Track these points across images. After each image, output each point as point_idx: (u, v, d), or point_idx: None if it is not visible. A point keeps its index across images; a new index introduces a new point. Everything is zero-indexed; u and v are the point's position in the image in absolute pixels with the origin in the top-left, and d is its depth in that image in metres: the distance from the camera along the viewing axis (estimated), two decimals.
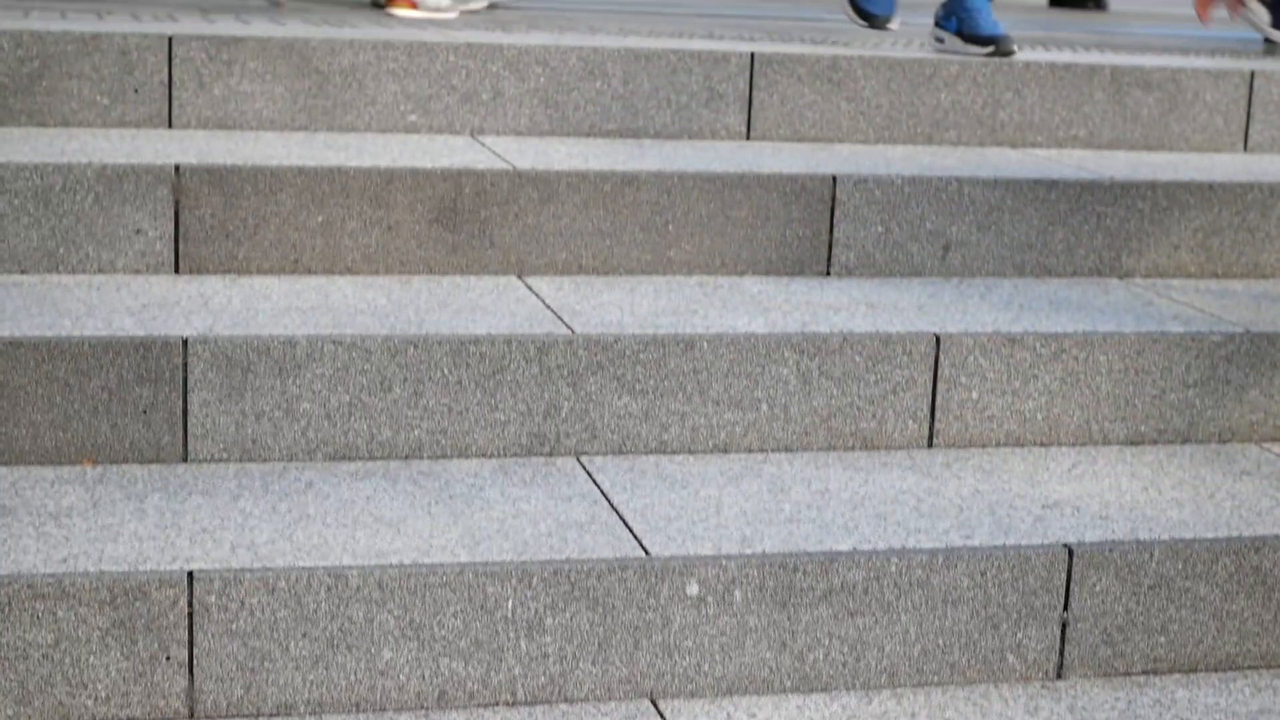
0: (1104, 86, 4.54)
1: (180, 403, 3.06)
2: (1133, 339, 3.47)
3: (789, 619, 2.76)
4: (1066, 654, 2.89)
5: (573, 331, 3.22)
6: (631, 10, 5.49)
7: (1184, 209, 4.03)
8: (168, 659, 2.56)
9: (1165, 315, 3.65)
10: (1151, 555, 2.91)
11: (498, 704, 2.68)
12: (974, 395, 3.39)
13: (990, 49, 4.55)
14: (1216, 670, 2.97)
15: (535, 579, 2.66)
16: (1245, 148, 4.71)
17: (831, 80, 4.34)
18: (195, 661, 2.57)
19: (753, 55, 4.29)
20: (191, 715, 2.58)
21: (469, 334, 3.16)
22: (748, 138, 4.32)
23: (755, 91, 4.31)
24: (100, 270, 3.52)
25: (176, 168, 3.52)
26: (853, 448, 3.35)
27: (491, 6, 5.83)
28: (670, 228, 3.75)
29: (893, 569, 2.80)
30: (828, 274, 3.85)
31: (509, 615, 2.66)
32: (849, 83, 4.36)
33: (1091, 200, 3.96)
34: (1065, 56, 4.84)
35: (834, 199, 3.83)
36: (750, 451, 3.30)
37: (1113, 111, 4.56)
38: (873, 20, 5.33)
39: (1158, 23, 7.51)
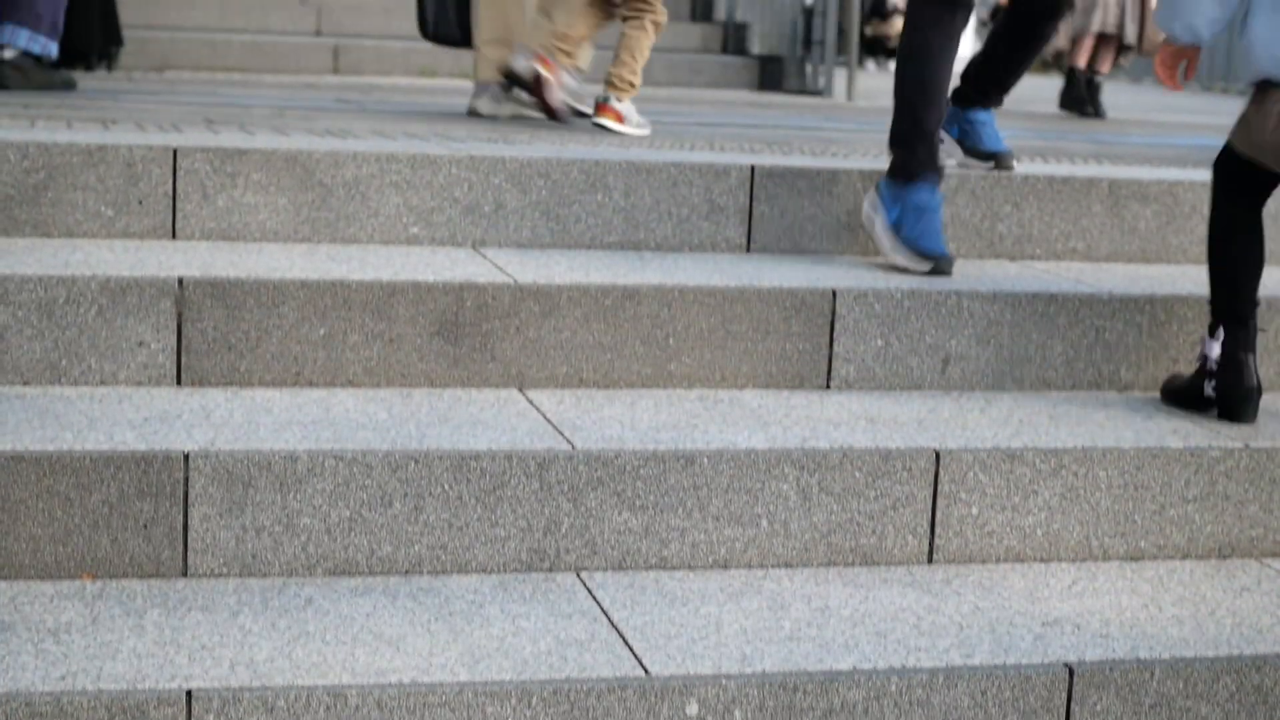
0: (1102, 199, 4.57)
1: (181, 517, 3.06)
2: (1132, 454, 3.48)
3: None
4: None
5: (573, 446, 3.23)
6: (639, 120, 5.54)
7: (1182, 322, 4.04)
8: None
9: (1164, 429, 3.66)
10: (1152, 674, 2.90)
11: None
12: (974, 511, 3.39)
13: (991, 164, 4.58)
14: None
15: (535, 698, 2.66)
16: None
17: (831, 193, 4.37)
18: None
19: (753, 168, 4.32)
20: None
21: (470, 449, 3.17)
22: (748, 250, 4.34)
23: (755, 204, 4.33)
24: (102, 382, 3.53)
25: (180, 280, 3.54)
26: (853, 564, 3.35)
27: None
28: (671, 341, 3.77)
29: (893, 688, 2.79)
30: (828, 387, 3.87)
31: None
32: (849, 195, 4.39)
33: (1090, 314, 3.98)
34: (1063, 169, 4.88)
35: (834, 313, 3.84)
36: (750, 568, 3.29)
37: (1111, 224, 4.59)
38: (938, 261, 4.13)
39: (1153, 131, 7.58)
